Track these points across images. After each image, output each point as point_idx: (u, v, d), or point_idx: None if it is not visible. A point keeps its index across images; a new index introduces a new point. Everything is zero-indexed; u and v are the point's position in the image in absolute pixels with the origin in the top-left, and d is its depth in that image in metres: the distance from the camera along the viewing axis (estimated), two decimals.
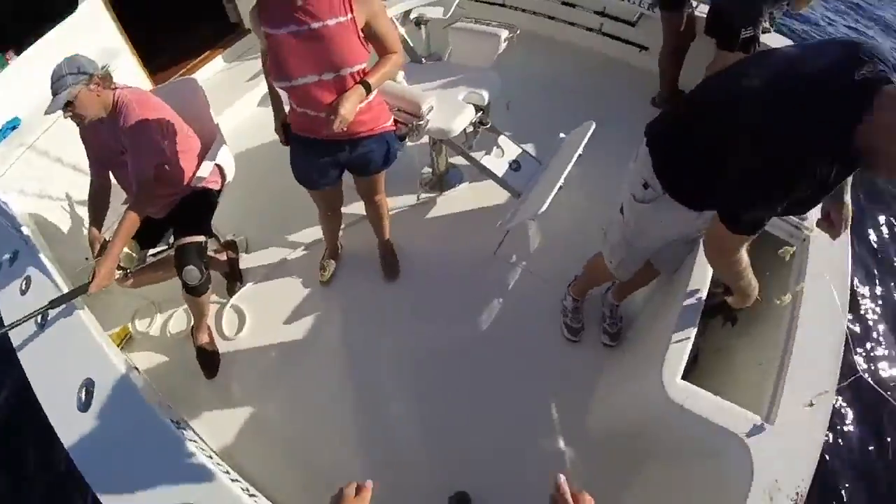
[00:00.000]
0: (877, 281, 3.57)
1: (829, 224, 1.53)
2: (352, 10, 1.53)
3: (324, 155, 1.84)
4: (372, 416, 2.05)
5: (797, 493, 1.32)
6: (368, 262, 2.46)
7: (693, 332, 1.54)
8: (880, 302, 3.45)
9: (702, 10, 3.03)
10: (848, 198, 1.47)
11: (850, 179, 1.35)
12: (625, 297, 2.22)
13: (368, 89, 1.62)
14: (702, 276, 1.65)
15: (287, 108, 1.84)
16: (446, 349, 2.20)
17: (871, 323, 3.50)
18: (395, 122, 2.07)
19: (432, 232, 2.66)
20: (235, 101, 3.33)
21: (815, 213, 1.64)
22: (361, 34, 1.58)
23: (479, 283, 2.42)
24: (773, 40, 2.92)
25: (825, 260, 1.69)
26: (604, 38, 3.69)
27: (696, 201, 1.44)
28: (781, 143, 1.09)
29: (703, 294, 1.62)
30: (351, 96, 1.57)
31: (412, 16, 2.87)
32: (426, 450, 1.96)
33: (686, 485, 1.65)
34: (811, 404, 1.41)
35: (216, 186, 2.19)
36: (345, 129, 1.58)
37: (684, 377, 1.45)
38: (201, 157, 2.13)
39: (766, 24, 2.87)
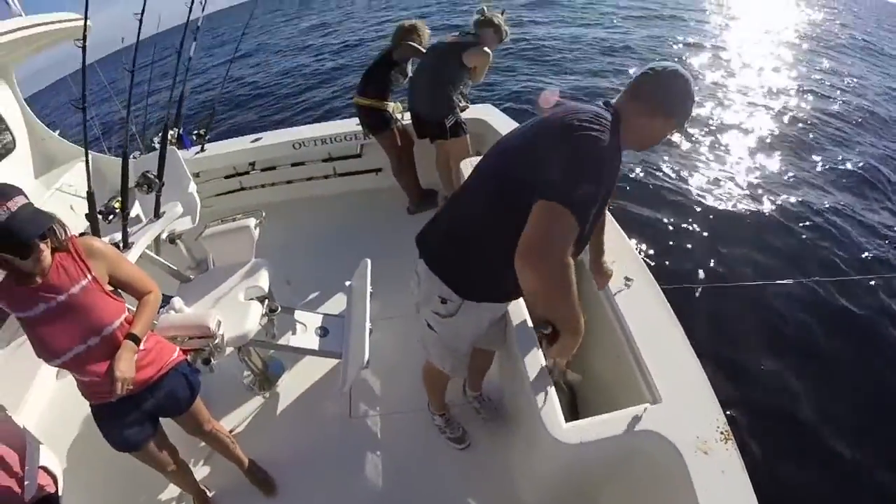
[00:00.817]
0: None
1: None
2: (90, 271, 1.61)
3: (130, 412, 1.80)
4: None
5: (721, 432, 1.49)
6: (244, 489, 2.33)
7: (546, 376, 1.67)
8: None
9: (408, 118, 3.59)
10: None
11: None
12: (480, 384, 2.44)
13: (137, 340, 1.68)
14: (519, 311, 1.85)
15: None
16: None
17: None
18: (190, 350, 2.19)
19: (283, 428, 2.61)
20: (25, 392, 2.98)
21: None
22: (108, 288, 1.66)
23: (353, 449, 2.45)
24: (477, 111, 3.65)
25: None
26: (341, 179, 4.14)
27: (498, 291, 1.55)
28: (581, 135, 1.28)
29: (533, 334, 1.77)
30: (122, 355, 1.62)
31: (163, 236, 2.99)
32: None
33: (641, 492, 1.81)
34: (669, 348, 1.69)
35: (52, 489, 2.02)
36: (131, 386, 1.63)
37: (574, 414, 1.62)
38: (21, 470, 1.96)
39: (462, 104, 3.55)
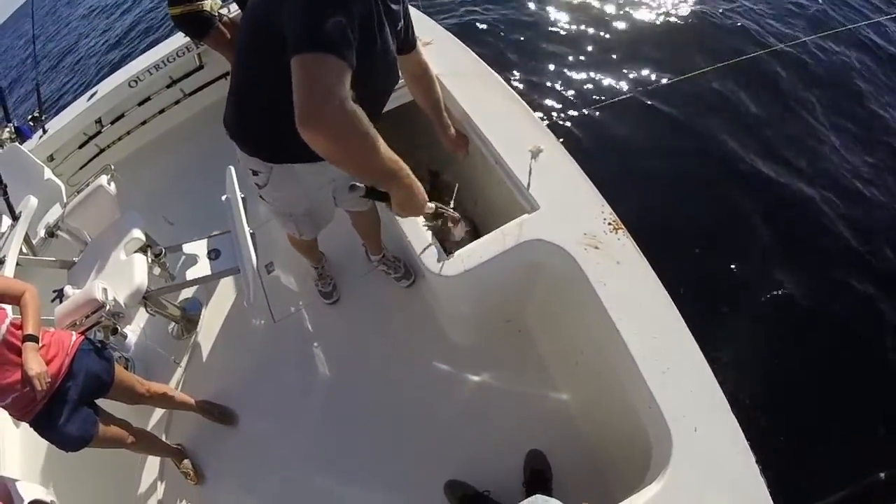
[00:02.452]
0: None
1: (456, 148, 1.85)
2: None
3: (61, 410, 1.80)
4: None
5: (609, 223, 1.49)
6: (210, 429, 2.38)
7: (415, 220, 1.64)
8: None
9: (234, 9, 3.18)
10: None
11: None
12: (379, 247, 2.44)
13: (35, 339, 1.70)
14: None
15: None
16: (335, 412, 2.28)
17: None
18: (93, 327, 2.11)
19: (221, 359, 2.63)
20: None
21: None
22: None
23: (289, 350, 2.50)
24: None
25: None
26: (193, 97, 3.77)
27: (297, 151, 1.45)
28: None
29: None
30: (28, 356, 1.64)
31: (41, 233, 2.79)
32: (390, 478, 2.07)
33: (553, 303, 1.85)
34: (538, 152, 1.65)
35: None
36: (48, 380, 1.66)
37: None
38: None
39: None
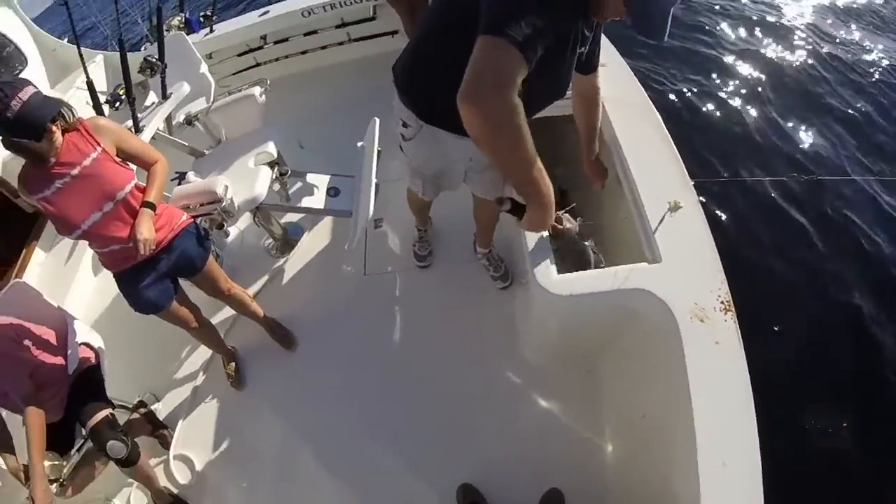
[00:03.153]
0: None
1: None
2: (99, 144, 1.73)
3: (148, 274, 1.94)
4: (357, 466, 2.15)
5: (721, 301, 1.44)
6: (267, 346, 2.50)
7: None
8: None
9: None
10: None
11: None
12: (489, 242, 2.45)
13: (153, 207, 1.83)
14: None
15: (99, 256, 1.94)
16: (387, 377, 2.34)
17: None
18: (203, 216, 2.26)
19: (303, 288, 2.74)
20: (72, 282, 3.28)
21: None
22: (118, 159, 1.78)
23: (367, 305, 2.57)
24: None
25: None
26: (356, 44, 3.92)
27: (451, 119, 1.48)
28: None
29: None
30: (142, 220, 1.78)
31: (181, 118, 3.00)
32: (413, 459, 2.11)
33: (637, 355, 1.82)
34: (676, 207, 1.61)
35: (93, 361, 2.25)
36: (154, 247, 1.81)
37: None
38: (64, 346, 2.17)
39: None
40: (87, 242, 1.87)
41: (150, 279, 1.95)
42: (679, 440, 1.34)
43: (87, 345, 2.26)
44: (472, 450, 2.08)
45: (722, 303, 1.44)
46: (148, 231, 1.78)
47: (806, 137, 4.41)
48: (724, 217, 3.63)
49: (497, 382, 2.23)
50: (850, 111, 4.65)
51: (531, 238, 1.66)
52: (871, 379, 2.79)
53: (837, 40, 5.52)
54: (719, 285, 1.47)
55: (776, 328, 2.92)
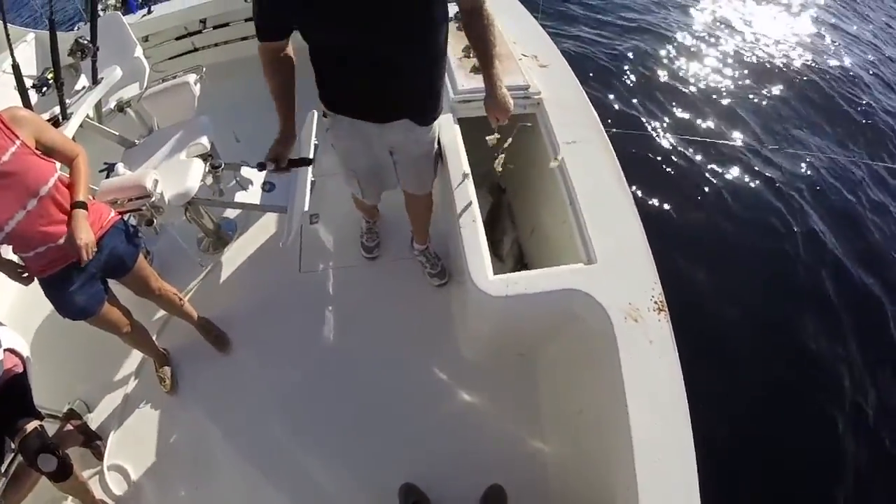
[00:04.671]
0: None
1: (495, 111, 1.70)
2: (17, 136, 1.58)
3: (77, 277, 1.82)
4: (295, 464, 2.10)
5: (655, 301, 1.47)
6: (200, 347, 2.41)
7: (478, 227, 1.65)
8: None
9: None
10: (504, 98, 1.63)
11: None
12: (425, 239, 2.44)
13: (84, 206, 1.71)
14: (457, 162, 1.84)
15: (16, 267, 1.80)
16: (322, 377, 2.28)
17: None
18: (131, 212, 2.14)
19: (236, 287, 2.65)
20: None
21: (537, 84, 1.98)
22: (38, 151, 1.64)
23: (302, 303, 2.51)
24: None
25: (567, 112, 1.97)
26: (296, 32, 3.79)
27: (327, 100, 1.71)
28: None
29: (471, 193, 1.75)
30: (79, 222, 1.67)
31: (112, 105, 2.84)
32: (352, 459, 2.07)
33: (573, 354, 1.84)
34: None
35: (20, 369, 2.11)
36: (95, 249, 1.71)
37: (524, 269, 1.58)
38: None
39: None
40: (10, 248, 1.74)
41: (79, 282, 1.83)
42: (615, 436, 1.37)
43: (13, 351, 2.11)
44: (413, 449, 2.06)
45: (656, 303, 1.47)
46: (87, 234, 1.67)
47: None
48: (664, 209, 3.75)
49: (435, 380, 2.21)
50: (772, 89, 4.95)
51: (468, 234, 1.64)
52: (805, 369, 2.93)
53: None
54: (653, 286, 1.51)
55: (711, 323, 3.01)
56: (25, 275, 1.81)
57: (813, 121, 4.72)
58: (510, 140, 1.80)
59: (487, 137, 1.74)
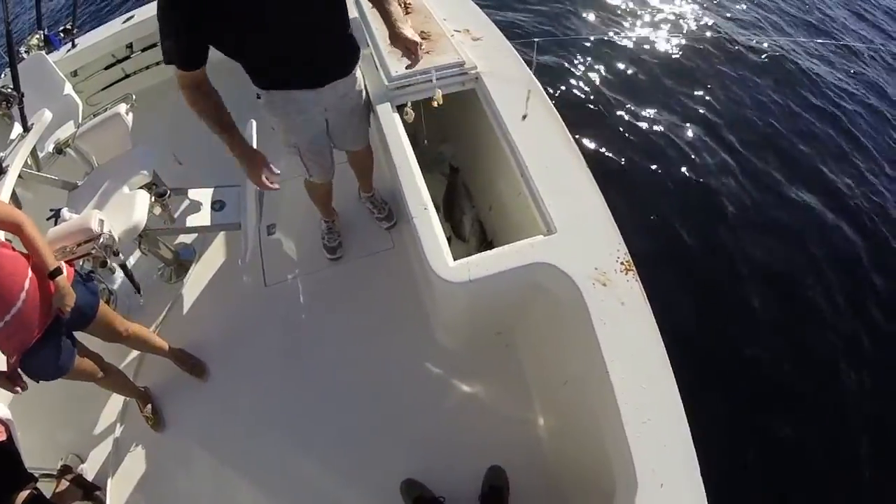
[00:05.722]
0: None
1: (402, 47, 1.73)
2: None
3: (48, 341, 1.74)
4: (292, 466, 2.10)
5: (621, 262, 1.46)
6: (179, 378, 2.36)
7: (430, 214, 1.60)
8: None
9: None
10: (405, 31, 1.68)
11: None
12: (370, 186, 2.51)
13: (59, 272, 1.67)
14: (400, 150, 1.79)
15: None
16: (307, 387, 2.26)
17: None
18: (83, 257, 2.07)
19: (204, 311, 2.59)
20: None
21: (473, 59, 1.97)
22: None
23: (273, 316, 2.47)
24: None
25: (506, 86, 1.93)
26: None
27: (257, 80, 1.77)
28: None
29: (419, 180, 1.70)
30: (65, 291, 1.67)
31: (49, 148, 2.74)
32: (351, 465, 2.06)
33: (548, 327, 1.83)
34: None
35: (3, 436, 2.04)
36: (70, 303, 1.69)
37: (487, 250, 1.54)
38: None
39: None
40: None
41: (49, 346, 1.77)
42: (602, 402, 1.36)
43: None
44: (408, 444, 2.05)
45: (622, 263, 1.45)
46: (71, 298, 1.69)
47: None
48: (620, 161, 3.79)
49: (419, 373, 2.20)
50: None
51: (421, 226, 1.60)
52: (778, 323, 2.99)
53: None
54: (617, 247, 1.49)
55: (680, 278, 3.06)
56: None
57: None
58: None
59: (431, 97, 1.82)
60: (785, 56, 5.07)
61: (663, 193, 3.62)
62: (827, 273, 3.20)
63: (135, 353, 2.43)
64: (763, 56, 5.01)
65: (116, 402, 2.40)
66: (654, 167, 3.82)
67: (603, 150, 3.91)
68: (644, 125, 4.16)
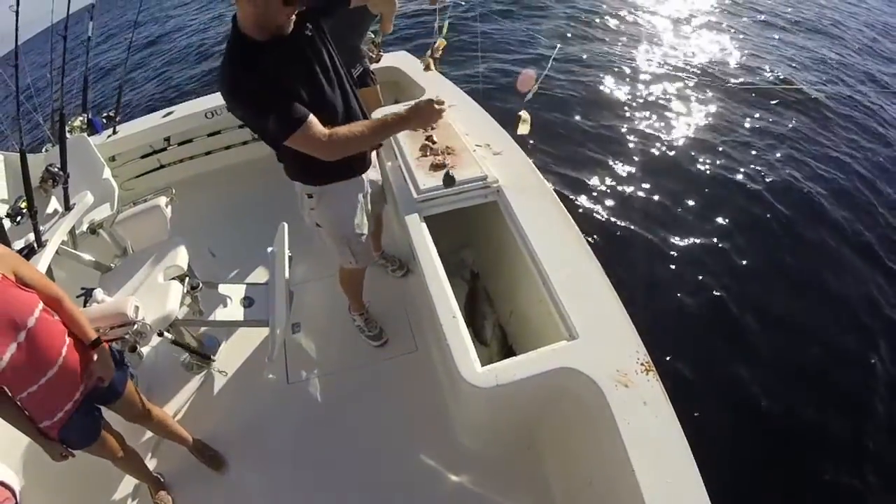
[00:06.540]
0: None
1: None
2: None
3: (87, 407, 1.79)
4: None
5: (641, 363, 1.52)
6: (195, 469, 2.34)
7: (459, 322, 1.69)
8: None
9: None
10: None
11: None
12: (361, 303, 2.57)
13: (100, 341, 1.77)
14: (428, 259, 1.92)
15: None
16: (324, 487, 2.24)
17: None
18: (114, 340, 2.13)
19: (225, 403, 2.61)
20: None
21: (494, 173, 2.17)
22: (20, 284, 1.60)
23: (294, 415, 2.49)
24: (391, 59, 3.57)
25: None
26: (260, 143, 3.92)
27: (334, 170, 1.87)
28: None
29: (447, 289, 1.80)
30: (103, 359, 1.76)
31: (84, 228, 2.87)
32: None
33: (572, 429, 1.85)
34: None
35: (11, 503, 2.02)
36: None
37: (508, 355, 1.63)
38: None
39: (371, 55, 3.28)
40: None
41: (89, 416, 1.84)
42: (628, 501, 1.38)
43: (3, 484, 2.03)
44: None
45: (642, 364, 1.52)
46: (109, 367, 1.79)
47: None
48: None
49: (439, 473, 2.19)
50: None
51: (450, 332, 1.68)
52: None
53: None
54: (636, 348, 1.57)
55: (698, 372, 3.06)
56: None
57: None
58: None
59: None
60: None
61: (681, 300, 3.67)
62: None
63: (150, 437, 2.42)
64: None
65: (128, 485, 2.37)
66: (671, 271, 3.89)
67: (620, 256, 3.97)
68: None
